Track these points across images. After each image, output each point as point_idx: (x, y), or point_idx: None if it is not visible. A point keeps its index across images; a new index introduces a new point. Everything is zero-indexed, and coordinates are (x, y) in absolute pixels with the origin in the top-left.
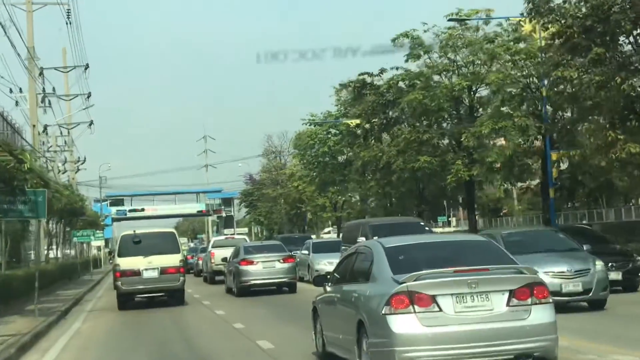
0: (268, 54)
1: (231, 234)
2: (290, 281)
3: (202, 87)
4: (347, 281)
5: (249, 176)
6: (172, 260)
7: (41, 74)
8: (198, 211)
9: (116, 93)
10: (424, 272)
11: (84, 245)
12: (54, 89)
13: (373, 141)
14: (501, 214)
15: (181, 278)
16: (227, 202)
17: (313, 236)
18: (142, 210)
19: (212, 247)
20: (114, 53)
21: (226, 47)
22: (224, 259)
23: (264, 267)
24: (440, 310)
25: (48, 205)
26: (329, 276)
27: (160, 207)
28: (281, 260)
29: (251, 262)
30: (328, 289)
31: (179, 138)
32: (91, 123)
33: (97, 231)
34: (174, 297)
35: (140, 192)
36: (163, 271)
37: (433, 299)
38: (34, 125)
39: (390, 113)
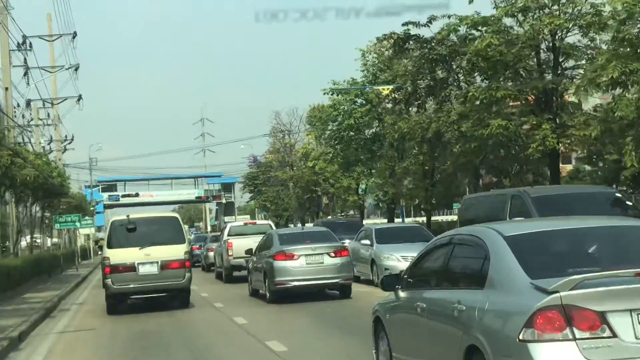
0: (267, 13)
1: (250, 220)
2: (344, 282)
3: (201, 65)
4: (439, 285)
5: (253, 158)
6: (176, 251)
7: (24, 42)
8: (196, 197)
9: (107, 69)
10: (587, 275)
11: (73, 232)
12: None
13: (416, 108)
14: None
15: (187, 274)
16: (228, 187)
17: (367, 222)
18: (137, 195)
19: (229, 235)
20: (104, 24)
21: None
22: (249, 251)
23: (307, 263)
24: (614, 335)
25: (6, 176)
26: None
27: (156, 193)
28: (332, 254)
29: (290, 256)
30: (402, 294)
31: (176, 120)
32: (80, 98)
33: (86, 218)
34: (177, 298)
35: (134, 177)
36: (164, 266)
37: (602, 317)
38: (6, 88)
39: (440, 73)
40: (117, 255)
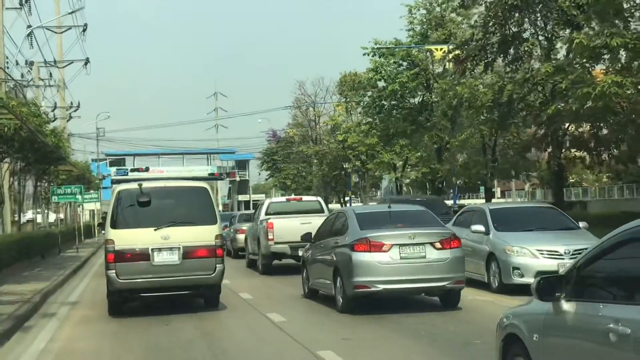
0: None
1: (294, 196)
2: (453, 286)
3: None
4: None
5: (273, 133)
6: (204, 234)
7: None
8: (209, 174)
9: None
10: None
11: (75, 207)
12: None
13: (482, 68)
14: (567, 183)
15: (218, 266)
16: (242, 164)
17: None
18: (147, 169)
19: (268, 213)
20: None
21: None
22: (306, 237)
23: (403, 257)
24: None
25: None
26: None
27: (167, 169)
28: (437, 244)
29: (378, 247)
30: (567, 307)
31: (189, 93)
32: (87, 62)
33: (90, 192)
34: (204, 298)
35: (143, 150)
36: (188, 253)
37: None
38: None
39: (513, 27)
40: (125, 238)
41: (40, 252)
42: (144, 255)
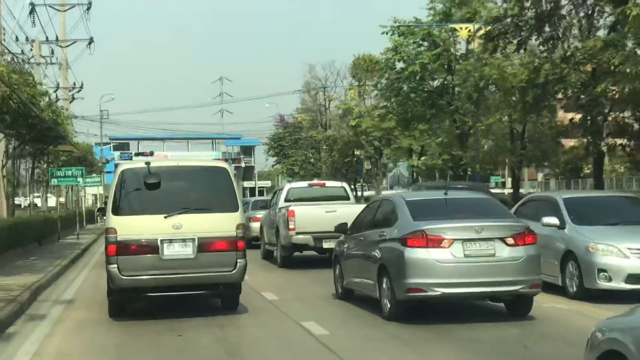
0: None
1: (317, 181)
2: (527, 291)
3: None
4: None
5: (280, 117)
6: (224, 223)
7: None
8: (214, 160)
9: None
10: None
11: (77, 191)
12: None
13: (514, 47)
14: (582, 174)
15: (239, 262)
16: (248, 150)
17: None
18: (151, 154)
19: (287, 200)
20: None
21: None
22: (340, 227)
23: (467, 255)
24: None
25: None
26: None
27: (171, 154)
28: (509, 239)
29: (436, 241)
30: None
31: (194, 77)
32: (91, 41)
33: (93, 175)
34: (222, 298)
35: (147, 135)
36: (204, 246)
37: None
38: None
39: (550, 4)
40: (129, 227)
41: (37, 238)
42: (151, 248)
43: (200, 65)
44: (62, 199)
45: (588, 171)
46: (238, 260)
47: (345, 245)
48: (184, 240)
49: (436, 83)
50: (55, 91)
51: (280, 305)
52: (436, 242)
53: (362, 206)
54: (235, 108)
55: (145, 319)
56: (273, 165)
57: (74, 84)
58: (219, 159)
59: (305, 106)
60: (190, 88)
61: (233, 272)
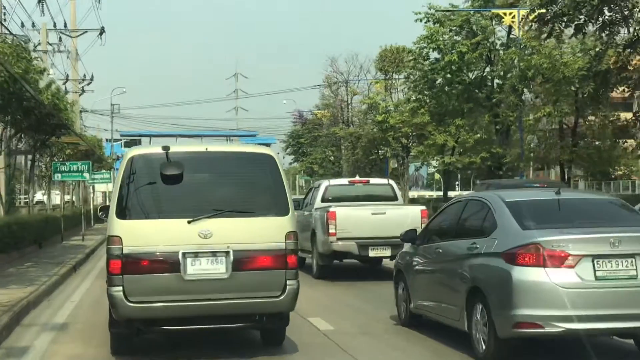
0: None
1: (358, 178)
2: None
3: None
4: None
5: (299, 114)
6: (270, 232)
7: None
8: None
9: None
10: None
11: (84, 188)
12: None
13: (570, 32)
14: (613, 176)
15: (290, 284)
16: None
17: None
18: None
19: (325, 199)
20: None
21: None
22: (408, 235)
23: (599, 277)
24: None
25: None
26: None
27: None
28: None
29: (557, 259)
30: None
31: (208, 74)
32: (102, 31)
33: (102, 171)
34: (263, 332)
35: (160, 131)
36: (242, 262)
37: None
38: None
39: None
40: (139, 235)
41: (37, 240)
42: (170, 264)
43: (215, 58)
44: (69, 197)
45: (620, 172)
46: (288, 282)
47: (415, 259)
48: (214, 254)
49: (474, 74)
50: (64, 83)
51: (340, 339)
52: (557, 260)
53: (416, 208)
54: (251, 104)
55: (159, 358)
56: (290, 164)
57: (84, 75)
58: (264, 145)
59: (325, 102)
60: (204, 83)
61: (281, 298)
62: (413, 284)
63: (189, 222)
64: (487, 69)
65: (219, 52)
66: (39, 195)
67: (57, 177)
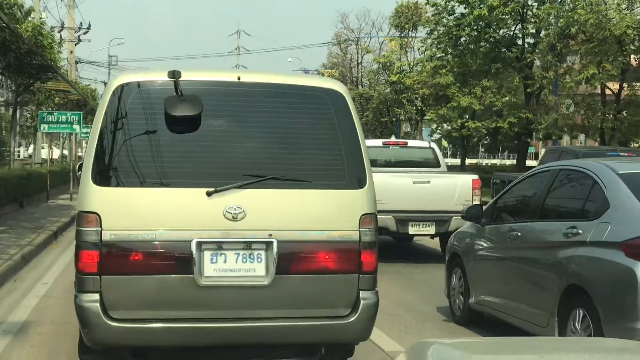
0: None
1: (394, 139)
2: None
3: None
4: None
5: (304, 72)
6: (335, 213)
7: None
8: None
9: None
10: None
11: (75, 141)
12: None
13: None
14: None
15: (364, 296)
16: None
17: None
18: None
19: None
20: None
21: None
22: (473, 213)
23: None
24: None
25: None
26: None
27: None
28: None
29: None
30: None
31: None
32: None
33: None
34: None
35: None
36: (292, 259)
37: None
38: None
39: None
40: (127, 212)
41: (19, 198)
42: (177, 260)
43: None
44: (62, 152)
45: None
46: (362, 295)
47: (478, 242)
48: (248, 246)
49: (504, 32)
50: (59, 31)
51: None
52: None
53: (466, 177)
54: (253, 63)
55: None
56: None
57: (81, 24)
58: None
59: (334, 60)
60: (206, 38)
61: (350, 319)
62: (474, 274)
63: (208, 195)
64: (518, 27)
65: (222, 7)
66: (44, 152)
67: (44, 128)
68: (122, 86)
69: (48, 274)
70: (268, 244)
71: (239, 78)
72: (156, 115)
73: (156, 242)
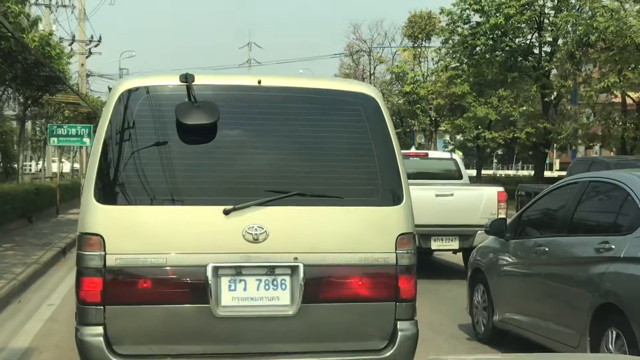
0: None
1: (415, 150)
2: None
3: None
4: None
5: None
6: (367, 234)
7: None
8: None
9: None
10: None
11: (85, 154)
12: None
13: None
14: None
15: (402, 327)
16: None
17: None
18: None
19: None
20: None
21: None
22: (497, 227)
23: None
24: None
25: None
26: None
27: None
28: None
29: None
30: None
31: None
32: None
33: None
34: None
35: None
36: (321, 285)
37: None
38: None
39: None
40: (134, 233)
41: (26, 214)
42: (191, 288)
43: (229, 24)
44: (72, 165)
45: None
46: (399, 326)
47: (502, 257)
48: (271, 271)
49: (520, 40)
50: (70, 44)
51: None
52: None
53: (492, 189)
54: (265, 75)
55: None
56: None
57: (92, 36)
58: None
59: (345, 71)
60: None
61: (387, 353)
62: (499, 290)
63: (226, 213)
64: (535, 35)
65: (233, 20)
66: (55, 165)
67: (53, 141)
68: (129, 91)
69: (54, 295)
70: (293, 269)
71: (259, 82)
72: (167, 123)
73: (167, 268)
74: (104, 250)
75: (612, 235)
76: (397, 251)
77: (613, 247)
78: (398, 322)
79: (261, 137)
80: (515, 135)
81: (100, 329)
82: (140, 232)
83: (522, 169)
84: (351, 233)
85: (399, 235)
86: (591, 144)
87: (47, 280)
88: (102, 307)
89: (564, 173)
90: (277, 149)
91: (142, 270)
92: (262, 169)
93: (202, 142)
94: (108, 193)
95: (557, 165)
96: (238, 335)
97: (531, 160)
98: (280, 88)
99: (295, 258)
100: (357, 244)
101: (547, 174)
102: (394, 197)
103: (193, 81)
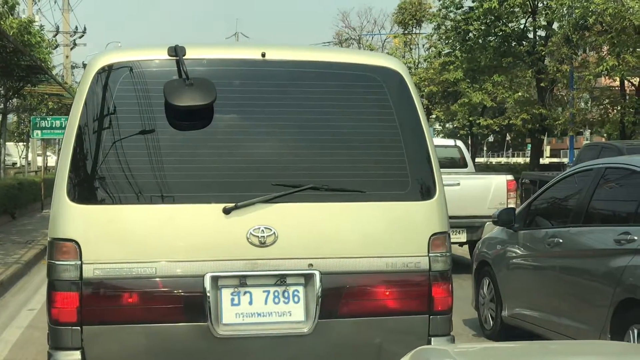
0: None
1: None
2: None
3: None
4: None
5: None
6: (395, 234)
7: None
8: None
9: None
10: None
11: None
12: None
13: None
14: None
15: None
16: None
17: None
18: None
19: None
20: None
21: None
22: (505, 217)
23: None
24: None
25: None
26: None
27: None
28: None
29: None
30: None
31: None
32: None
33: None
34: None
35: None
36: (338, 299)
37: None
38: None
39: None
40: (116, 238)
41: (10, 210)
42: (186, 302)
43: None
44: (58, 158)
45: None
46: (433, 343)
47: (511, 249)
48: (281, 280)
49: (513, 25)
50: (54, 35)
51: None
52: None
53: (500, 177)
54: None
55: None
56: None
57: (76, 27)
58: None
59: None
60: (204, 39)
61: None
62: (508, 285)
63: (226, 212)
64: (529, 20)
65: (220, 9)
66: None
67: (37, 134)
68: (107, 68)
69: (35, 298)
70: (308, 278)
71: (263, 55)
72: (154, 106)
73: (156, 279)
74: (80, 259)
75: (633, 226)
76: (429, 254)
77: (636, 238)
78: (432, 339)
79: (266, 121)
80: (511, 122)
81: (77, 355)
82: (124, 237)
83: (513, 156)
84: (375, 234)
85: (431, 236)
86: (589, 130)
87: (28, 281)
88: (78, 328)
89: (555, 160)
90: (285, 135)
91: (127, 283)
92: (269, 159)
93: (196, 127)
94: (84, 190)
95: (547, 152)
96: (242, 358)
97: (521, 148)
98: (288, 62)
99: (310, 265)
100: (383, 246)
101: (543, 161)
102: (425, 190)
103: (184, 55)
